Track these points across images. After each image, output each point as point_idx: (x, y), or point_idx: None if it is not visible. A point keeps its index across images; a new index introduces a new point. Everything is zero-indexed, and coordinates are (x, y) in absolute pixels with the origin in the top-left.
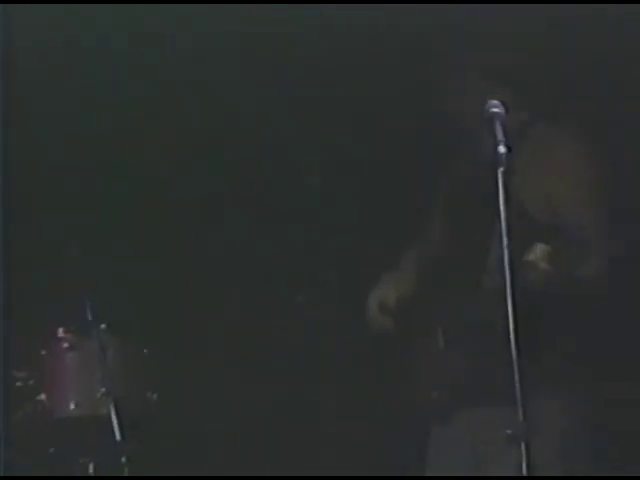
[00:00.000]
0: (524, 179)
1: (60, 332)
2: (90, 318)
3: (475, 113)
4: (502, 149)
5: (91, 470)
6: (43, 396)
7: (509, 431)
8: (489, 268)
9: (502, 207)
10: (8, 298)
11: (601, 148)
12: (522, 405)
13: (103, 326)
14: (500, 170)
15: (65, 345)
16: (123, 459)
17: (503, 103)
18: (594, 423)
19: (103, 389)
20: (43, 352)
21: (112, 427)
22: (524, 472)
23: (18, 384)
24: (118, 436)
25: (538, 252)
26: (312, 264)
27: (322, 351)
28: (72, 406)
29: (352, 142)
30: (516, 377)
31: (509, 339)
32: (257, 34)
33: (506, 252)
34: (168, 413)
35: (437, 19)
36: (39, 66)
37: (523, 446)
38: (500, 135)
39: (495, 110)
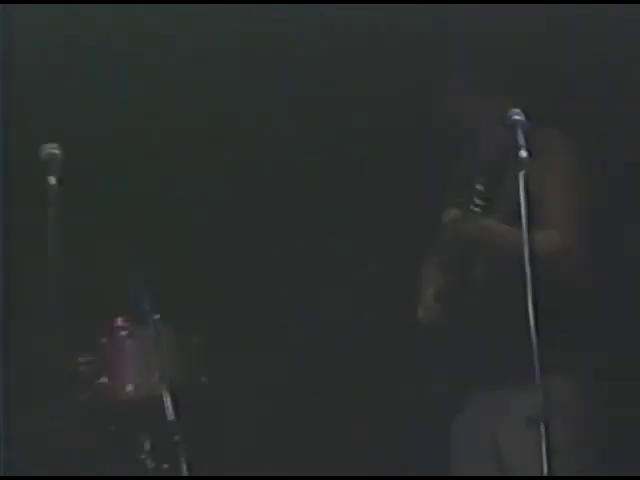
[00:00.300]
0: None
1: (119, 321)
2: (146, 309)
3: (475, 113)
4: (523, 154)
5: (147, 447)
6: (104, 379)
7: (528, 413)
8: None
9: (523, 207)
10: (9, 298)
11: (592, 148)
12: (542, 386)
13: (157, 316)
14: (522, 173)
15: (124, 333)
16: (176, 437)
17: (524, 111)
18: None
19: (158, 373)
20: (104, 339)
21: (166, 408)
22: (544, 454)
23: (82, 368)
24: (172, 416)
25: (451, 215)
26: (311, 263)
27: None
28: (130, 388)
29: (352, 142)
30: (535, 359)
31: (527, 322)
32: (257, 34)
33: (527, 246)
34: (217, 394)
35: (437, 19)
36: (39, 66)
37: (542, 427)
38: (522, 141)
39: (517, 117)
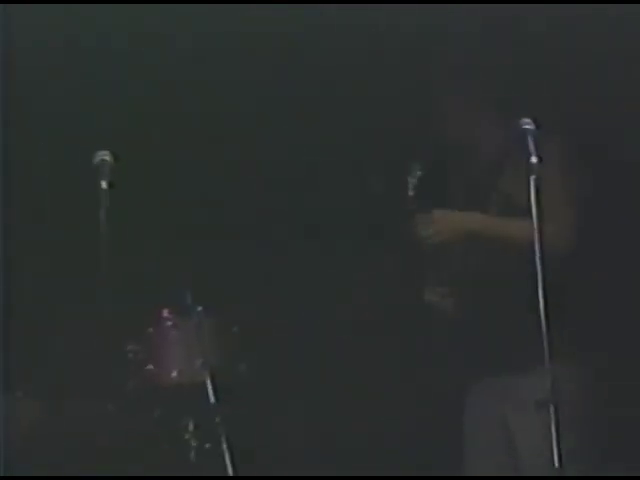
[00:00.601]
0: (514, 176)
1: (165, 313)
2: (189, 302)
3: (474, 114)
4: (534, 159)
5: (190, 428)
6: (151, 366)
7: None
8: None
9: (534, 209)
10: (8, 298)
11: (591, 148)
12: (550, 371)
13: (200, 308)
14: (532, 178)
15: (169, 324)
16: (217, 419)
17: (535, 120)
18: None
19: (200, 360)
20: (150, 330)
21: (208, 392)
22: (554, 438)
23: (130, 356)
24: (213, 400)
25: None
26: (313, 263)
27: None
28: (175, 375)
29: (352, 142)
30: (545, 344)
31: (537, 308)
32: (257, 34)
33: (537, 243)
34: (255, 380)
35: (437, 19)
36: (39, 66)
37: (552, 411)
38: (532, 147)
39: (527, 127)
